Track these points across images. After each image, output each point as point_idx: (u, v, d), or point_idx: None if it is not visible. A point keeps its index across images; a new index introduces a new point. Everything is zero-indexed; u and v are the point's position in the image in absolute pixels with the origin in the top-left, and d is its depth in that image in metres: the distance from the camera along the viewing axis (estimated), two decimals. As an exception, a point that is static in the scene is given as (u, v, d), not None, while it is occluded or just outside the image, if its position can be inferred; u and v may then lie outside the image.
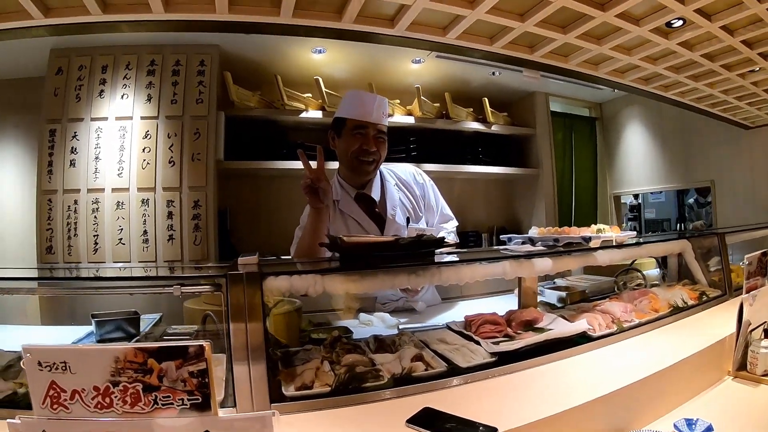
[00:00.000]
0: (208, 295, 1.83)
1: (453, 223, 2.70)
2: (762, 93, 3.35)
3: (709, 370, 1.77)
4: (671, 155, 5.60)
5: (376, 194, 2.47)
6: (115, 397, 0.82)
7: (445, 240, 1.87)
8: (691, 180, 5.55)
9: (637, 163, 6.06)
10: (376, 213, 2.46)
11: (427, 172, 2.74)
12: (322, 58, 4.26)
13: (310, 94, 4.40)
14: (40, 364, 0.82)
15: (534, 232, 2.38)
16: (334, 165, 2.54)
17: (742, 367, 1.81)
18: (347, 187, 2.46)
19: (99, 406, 0.82)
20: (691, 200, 6.66)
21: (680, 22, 2.25)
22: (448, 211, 2.71)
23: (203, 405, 0.83)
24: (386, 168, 2.61)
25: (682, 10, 2.08)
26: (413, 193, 2.59)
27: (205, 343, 0.84)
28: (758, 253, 2.07)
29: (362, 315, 2.33)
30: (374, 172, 2.46)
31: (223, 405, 1.20)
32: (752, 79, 3.05)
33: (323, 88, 4.27)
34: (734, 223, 4.26)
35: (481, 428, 1.11)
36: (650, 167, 5.88)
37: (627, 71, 2.91)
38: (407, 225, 2.44)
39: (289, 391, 1.29)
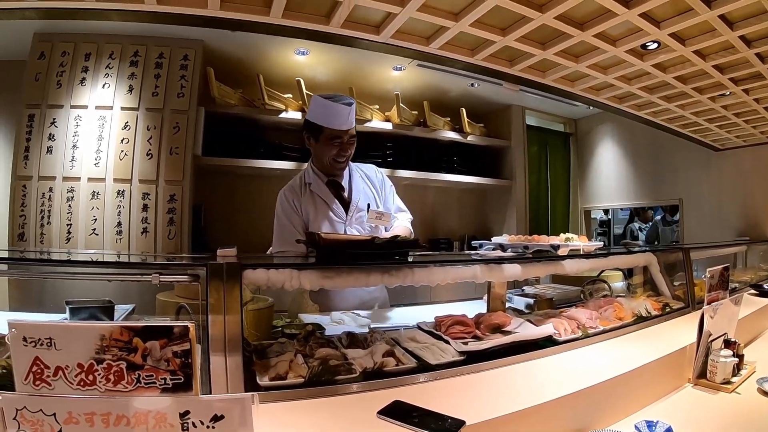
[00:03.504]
0: (181, 288, 1.84)
1: (407, 215, 2.90)
2: (731, 116, 3.46)
3: (671, 377, 1.84)
4: (641, 172, 5.74)
5: (344, 182, 2.75)
6: (99, 374, 0.83)
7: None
8: (660, 197, 5.68)
9: (608, 179, 6.19)
10: (343, 197, 2.72)
11: (402, 179, 2.88)
12: (304, 60, 4.29)
13: (290, 95, 4.42)
14: (25, 339, 0.83)
15: (504, 238, 2.44)
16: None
17: (702, 375, 1.88)
18: (320, 174, 2.71)
19: (82, 383, 0.83)
20: (658, 218, 6.84)
21: (655, 45, 2.33)
22: (401, 204, 2.94)
23: (185, 385, 0.85)
24: (352, 164, 2.86)
25: (657, 34, 2.15)
26: (374, 185, 2.85)
27: (190, 324, 0.86)
28: (720, 267, 2.14)
29: (334, 314, 2.40)
30: (344, 168, 2.73)
31: (199, 393, 1.21)
32: (722, 103, 3.15)
33: (304, 90, 4.29)
34: (700, 240, 4.36)
35: (449, 421, 1.15)
36: (620, 183, 6.01)
37: (602, 89, 2.99)
38: (368, 209, 2.68)
39: (263, 381, 1.32)
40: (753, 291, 3.46)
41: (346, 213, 2.69)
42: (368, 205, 2.73)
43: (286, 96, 4.39)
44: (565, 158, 6.60)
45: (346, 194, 2.74)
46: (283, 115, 4.34)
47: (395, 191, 2.93)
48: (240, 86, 4.31)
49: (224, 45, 3.94)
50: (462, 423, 1.14)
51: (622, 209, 7.92)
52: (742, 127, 3.79)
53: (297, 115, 4.37)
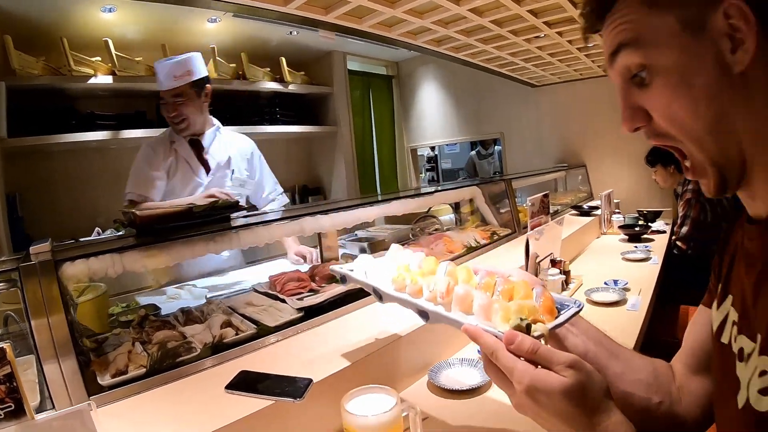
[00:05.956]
0: (5, 294, 1.73)
1: (284, 198, 3.10)
2: (546, 56, 3.79)
3: (504, 299, 2.06)
4: (464, 110, 6.17)
5: (207, 143, 2.82)
6: None
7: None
8: (483, 132, 6.18)
9: (433, 118, 6.55)
10: (204, 158, 2.80)
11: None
12: (112, 18, 3.96)
13: (99, 58, 4.05)
14: None
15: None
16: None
17: (533, 294, 2.13)
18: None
19: None
20: (473, 152, 7.31)
21: (471, -10, 2.43)
22: (275, 178, 3.13)
23: (17, 411, 0.83)
24: (230, 130, 3.04)
25: (472, -21, 2.25)
26: (244, 155, 2.97)
27: (5, 345, 0.82)
28: (540, 195, 2.39)
29: (169, 289, 2.36)
30: (190, 128, 2.74)
31: (41, 409, 1.16)
32: (537, 44, 3.41)
33: (113, 51, 3.97)
34: (523, 170, 4.81)
35: (297, 380, 1.22)
36: (445, 121, 6.41)
37: (419, 33, 3.08)
38: (232, 174, 2.80)
39: (104, 380, 1.27)
40: (574, 212, 3.91)
41: (208, 173, 2.76)
42: (232, 171, 2.80)
43: (94, 59, 4.02)
44: (388, 100, 6.82)
45: (206, 155, 2.79)
46: (93, 80, 3.96)
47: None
48: (43, 54, 3.84)
49: (21, 7, 3.50)
50: (309, 381, 1.20)
51: (448, 145, 8.41)
52: (557, 66, 4.16)
53: (108, 80, 4.02)
